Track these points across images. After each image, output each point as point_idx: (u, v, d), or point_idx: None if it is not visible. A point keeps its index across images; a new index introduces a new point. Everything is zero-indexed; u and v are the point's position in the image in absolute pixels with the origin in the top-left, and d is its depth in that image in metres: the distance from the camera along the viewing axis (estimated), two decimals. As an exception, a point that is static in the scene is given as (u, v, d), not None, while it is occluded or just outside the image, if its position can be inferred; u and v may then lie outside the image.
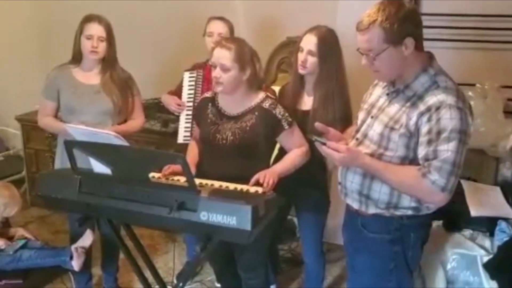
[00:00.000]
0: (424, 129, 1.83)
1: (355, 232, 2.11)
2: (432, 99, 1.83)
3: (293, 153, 2.44)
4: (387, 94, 1.99)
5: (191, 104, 2.96)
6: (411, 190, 1.91)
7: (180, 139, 2.98)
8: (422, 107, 1.84)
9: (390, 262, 2.03)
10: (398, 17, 1.79)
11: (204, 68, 2.96)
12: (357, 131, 2.08)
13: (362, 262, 2.11)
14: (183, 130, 2.97)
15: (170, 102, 3.00)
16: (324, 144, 1.91)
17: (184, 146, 2.88)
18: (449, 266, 2.46)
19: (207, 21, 2.99)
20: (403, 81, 1.92)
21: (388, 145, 1.92)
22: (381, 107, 2.00)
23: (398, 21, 1.79)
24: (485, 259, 2.40)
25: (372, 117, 2.02)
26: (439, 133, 1.80)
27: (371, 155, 1.95)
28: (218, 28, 2.93)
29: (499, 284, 2.36)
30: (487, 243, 2.48)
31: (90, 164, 2.08)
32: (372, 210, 2.01)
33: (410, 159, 1.91)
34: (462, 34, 3.05)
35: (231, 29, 2.96)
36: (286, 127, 2.38)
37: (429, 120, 1.82)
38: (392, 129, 1.91)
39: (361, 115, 2.10)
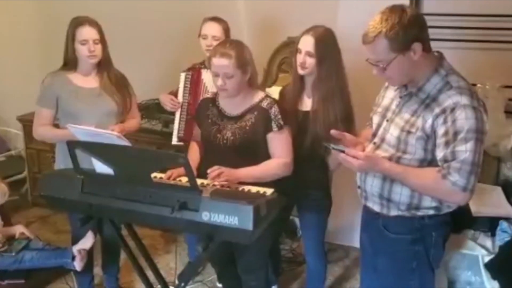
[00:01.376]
0: (440, 131, 1.84)
1: (376, 233, 2.12)
2: (446, 101, 1.84)
3: (271, 162, 2.38)
4: (400, 97, 2.00)
5: (185, 105, 2.96)
6: (432, 192, 1.92)
7: (174, 141, 3.00)
8: (437, 109, 1.85)
9: (412, 262, 2.05)
10: (402, 24, 1.80)
11: (193, 70, 2.96)
12: (374, 135, 2.08)
13: (384, 263, 2.12)
14: (176, 131, 2.99)
15: (165, 100, 3.00)
16: (343, 151, 1.91)
17: (185, 146, 2.89)
18: (450, 266, 2.46)
19: (202, 22, 2.98)
20: (415, 84, 1.93)
21: (406, 148, 1.93)
22: (396, 111, 2.01)
23: (403, 28, 1.80)
24: (487, 259, 2.40)
25: (387, 120, 2.03)
26: (456, 134, 1.81)
27: (389, 158, 1.96)
28: (212, 30, 2.93)
29: (500, 284, 2.36)
30: (488, 243, 2.48)
31: (92, 164, 2.08)
32: (394, 212, 2.02)
33: (428, 161, 1.92)
34: (462, 34, 3.05)
35: (226, 30, 2.95)
36: (275, 128, 2.35)
37: (445, 121, 1.83)
38: (408, 132, 1.92)
39: (375, 119, 2.11)
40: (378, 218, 2.09)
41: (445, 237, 2.11)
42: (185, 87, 2.95)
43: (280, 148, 2.38)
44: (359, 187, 2.14)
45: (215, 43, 2.84)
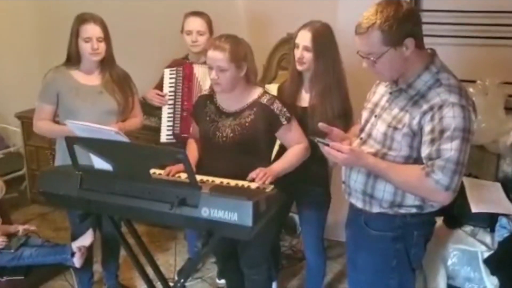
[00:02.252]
0: (427, 128, 1.83)
1: (358, 229, 2.11)
2: (435, 98, 1.82)
3: (292, 150, 2.43)
4: (390, 93, 1.98)
5: (172, 102, 2.95)
6: (415, 190, 1.91)
7: (163, 139, 2.98)
8: (425, 106, 1.84)
9: (392, 260, 2.03)
10: (396, 18, 1.78)
11: (183, 66, 2.95)
12: (361, 130, 2.07)
13: (364, 259, 2.11)
14: (166, 129, 2.97)
15: (151, 96, 2.99)
16: (327, 145, 1.90)
17: (177, 143, 2.89)
18: (449, 262, 2.47)
19: (184, 17, 2.98)
20: (406, 80, 1.92)
21: (392, 144, 1.92)
22: (384, 106, 1.99)
23: (397, 22, 1.78)
24: (486, 255, 2.40)
25: (375, 116, 2.02)
26: (442, 132, 1.79)
27: (375, 154, 1.95)
28: (196, 25, 2.93)
29: (499, 280, 2.36)
30: (487, 239, 2.48)
31: (91, 160, 2.08)
32: (376, 209, 2.01)
33: (414, 159, 1.91)
34: (462, 31, 3.04)
35: (209, 23, 2.96)
36: (285, 122, 2.37)
37: (432, 119, 1.81)
38: (395, 128, 1.90)
39: (364, 114, 2.10)
40: (361, 215, 2.07)
41: (427, 237, 2.10)
42: (176, 83, 2.93)
43: (296, 136, 2.43)
44: (343, 182, 2.13)
45: (200, 38, 2.88)
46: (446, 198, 1.85)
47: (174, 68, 2.95)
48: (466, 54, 2.99)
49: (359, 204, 2.07)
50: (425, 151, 1.84)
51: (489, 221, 2.50)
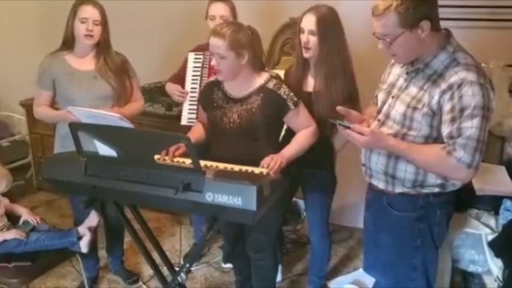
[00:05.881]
0: (446, 107, 1.84)
1: (380, 211, 2.13)
2: (453, 77, 1.83)
3: (301, 134, 2.43)
4: (407, 73, 1.99)
5: (196, 86, 2.95)
6: (437, 169, 1.92)
7: (184, 121, 2.98)
8: (443, 85, 1.85)
9: (416, 239, 2.06)
10: (413, 0, 1.79)
11: (211, 52, 2.95)
12: (379, 112, 2.08)
13: (387, 240, 2.13)
14: (187, 112, 2.97)
15: (173, 90, 3.00)
16: (348, 127, 1.91)
17: (188, 129, 2.89)
18: (454, 245, 2.47)
19: (208, 3, 2.96)
20: (422, 60, 1.93)
21: (412, 124, 1.93)
22: (402, 87, 2.00)
23: (413, 4, 1.79)
24: (490, 237, 2.40)
25: (393, 97, 2.02)
26: (462, 110, 1.81)
27: (395, 135, 1.96)
28: (219, 11, 2.91)
29: (504, 262, 2.36)
30: (492, 221, 2.48)
31: (95, 146, 2.08)
32: (398, 189, 2.03)
33: (434, 138, 1.92)
34: (467, 13, 3.02)
35: (233, 10, 2.94)
36: (292, 107, 2.36)
37: (451, 98, 1.82)
38: (414, 108, 1.91)
39: (381, 96, 2.11)
40: (383, 196, 2.09)
41: (449, 215, 2.12)
42: (203, 67, 2.92)
43: (304, 120, 2.43)
44: (363, 164, 2.14)
45: None
46: (468, 175, 1.87)
47: (201, 53, 2.94)
48: (471, 37, 2.94)
49: (381, 185, 2.09)
50: (445, 130, 1.85)
51: (493, 204, 2.50)
